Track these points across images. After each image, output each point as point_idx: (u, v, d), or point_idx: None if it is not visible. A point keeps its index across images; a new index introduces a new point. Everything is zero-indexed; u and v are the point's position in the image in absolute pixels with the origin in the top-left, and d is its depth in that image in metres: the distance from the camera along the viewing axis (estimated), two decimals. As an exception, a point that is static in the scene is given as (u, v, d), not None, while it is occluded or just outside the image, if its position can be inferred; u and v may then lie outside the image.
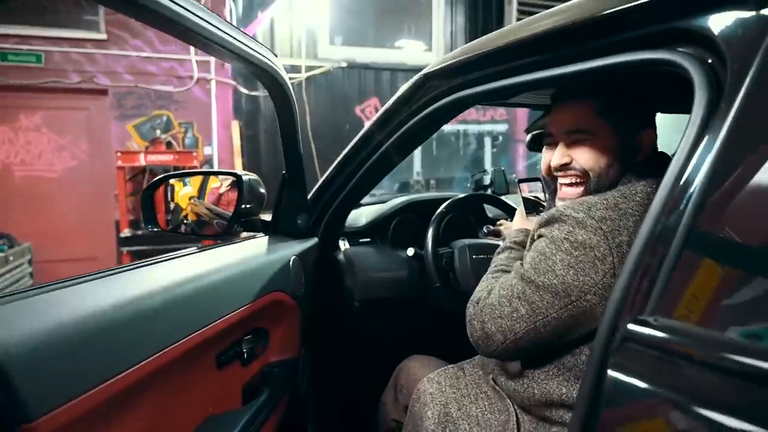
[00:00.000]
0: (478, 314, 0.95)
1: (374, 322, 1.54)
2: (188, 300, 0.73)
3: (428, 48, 5.50)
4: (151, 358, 0.62)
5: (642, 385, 0.45)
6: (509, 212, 1.70)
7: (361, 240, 1.61)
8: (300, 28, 4.99)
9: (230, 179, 1.55)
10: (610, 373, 0.46)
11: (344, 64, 5.09)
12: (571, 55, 0.75)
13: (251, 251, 1.08)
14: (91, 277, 0.67)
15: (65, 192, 4.87)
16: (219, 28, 0.72)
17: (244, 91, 4.87)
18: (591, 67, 0.70)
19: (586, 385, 0.50)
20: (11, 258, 3.97)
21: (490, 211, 1.80)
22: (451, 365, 1.22)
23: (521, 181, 1.23)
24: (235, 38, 0.77)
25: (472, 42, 1.04)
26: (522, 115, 5.89)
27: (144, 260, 0.83)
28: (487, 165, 5.91)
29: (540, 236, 0.92)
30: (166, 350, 0.65)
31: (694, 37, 0.57)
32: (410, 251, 1.49)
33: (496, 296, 0.93)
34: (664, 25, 0.60)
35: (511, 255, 1.07)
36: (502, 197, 1.72)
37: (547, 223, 0.91)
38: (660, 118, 1.05)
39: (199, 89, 4.72)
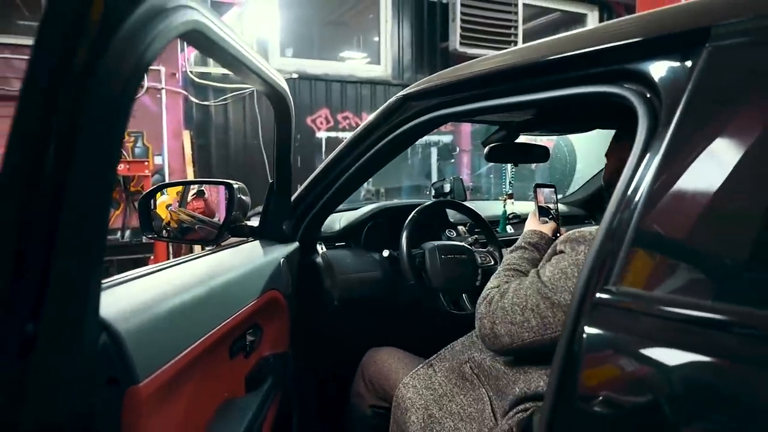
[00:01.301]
0: (490, 315, 1.01)
1: (352, 319, 1.65)
2: (223, 290, 0.84)
3: (377, 61, 5.66)
4: (204, 337, 0.72)
5: (612, 334, 0.62)
6: (470, 216, 1.87)
7: (336, 244, 1.73)
8: (251, 39, 5.04)
9: (196, 188, 1.66)
10: (587, 329, 0.61)
11: (295, 76, 5.17)
12: (538, 85, 0.91)
13: (252, 253, 1.18)
14: (149, 270, 0.77)
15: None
16: (250, 54, 0.83)
17: (194, 101, 4.85)
18: (555, 96, 0.86)
19: (564, 342, 0.65)
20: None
21: (452, 216, 1.97)
22: (421, 365, 1.29)
23: (538, 186, 1.35)
24: (259, 62, 0.88)
25: (447, 69, 1.19)
26: (466, 128, 6.15)
27: (175, 259, 0.93)
28: (434, 175, 6.12)
29: (562, 252, 0.99)
30: (213, 331, 0.76)
31: (637, 77, 0.74)
32: (385, 253, 1.62)
33: (509, 302, 0.99)
34: (616, 66, 0.77)
35: (524, 255, 1.16)
36: (463, 203, 1.89)
37: (572, 241, 0.98)
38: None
39: (149, 99, 4.66)
